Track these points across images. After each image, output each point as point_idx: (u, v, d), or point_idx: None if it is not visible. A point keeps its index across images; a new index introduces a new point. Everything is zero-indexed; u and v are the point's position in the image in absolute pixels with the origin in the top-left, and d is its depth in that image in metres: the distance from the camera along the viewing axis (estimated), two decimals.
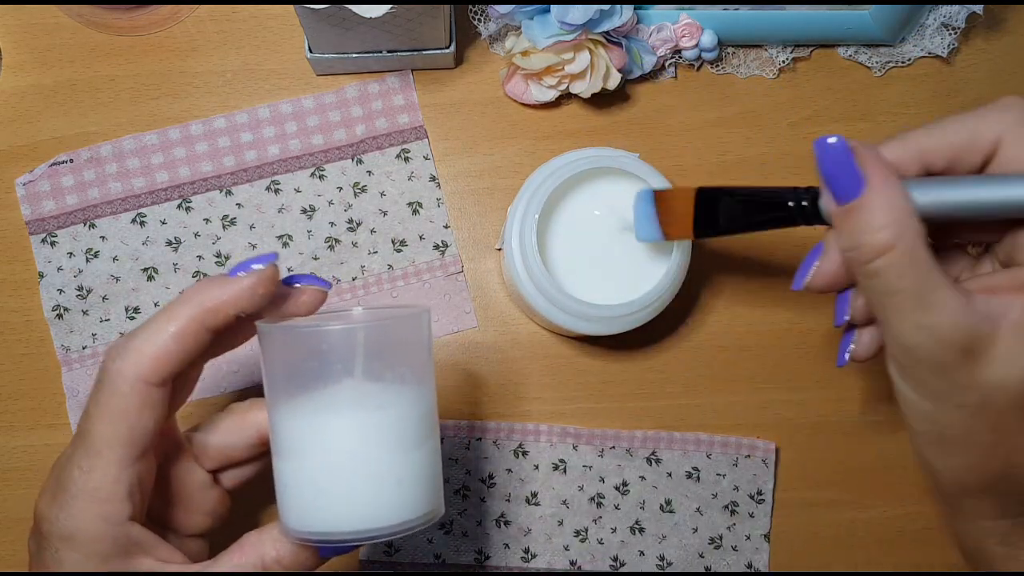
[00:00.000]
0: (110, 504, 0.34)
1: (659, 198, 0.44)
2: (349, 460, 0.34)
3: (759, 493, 0.53)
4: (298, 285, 0.37)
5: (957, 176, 0.34)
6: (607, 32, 0.50)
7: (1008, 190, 0.32)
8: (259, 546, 0.36)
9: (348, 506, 0.34)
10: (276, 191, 0.54)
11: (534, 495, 0.53)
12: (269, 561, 0.36)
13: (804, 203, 0.36)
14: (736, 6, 0.53)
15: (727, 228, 0.41)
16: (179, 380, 0.36)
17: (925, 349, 0.32)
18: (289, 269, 0.53)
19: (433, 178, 0.54)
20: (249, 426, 0.39)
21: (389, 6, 0.45)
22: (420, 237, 0.54)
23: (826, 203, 0.34)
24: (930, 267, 0.31)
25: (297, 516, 0.35)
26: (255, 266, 0.35)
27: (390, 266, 0.54)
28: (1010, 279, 0.34)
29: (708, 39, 0.53)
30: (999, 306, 0.32)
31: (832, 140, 0.33)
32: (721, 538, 0.53)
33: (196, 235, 0.53)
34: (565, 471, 0.53)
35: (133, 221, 0.53)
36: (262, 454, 0.40)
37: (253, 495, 0.42)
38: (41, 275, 0.53)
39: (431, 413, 0.37)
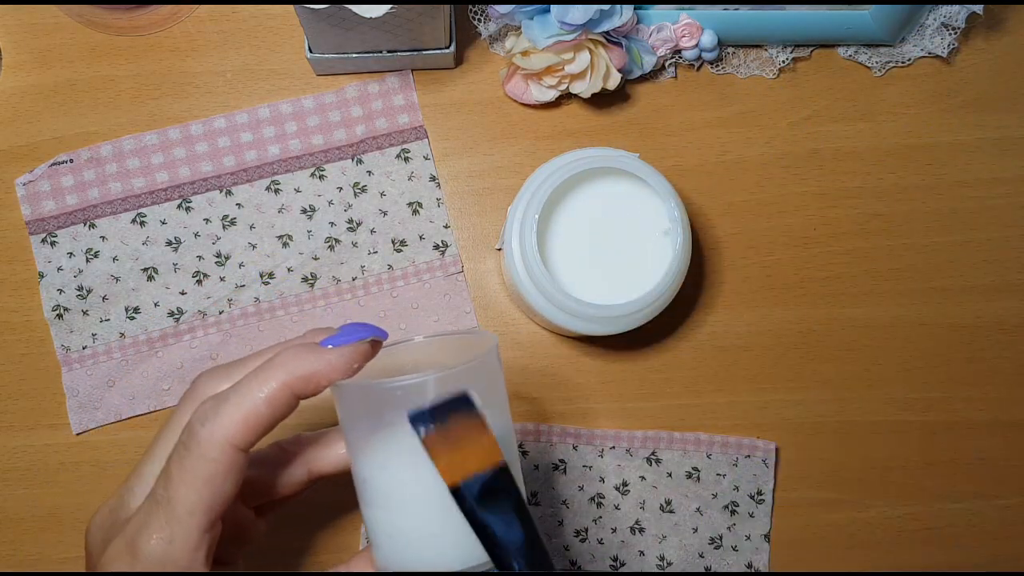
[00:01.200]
0: (191, 571, 0.33)
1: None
2: (434, 505, 0.34)
3: (759, 493, 0.53)
4: (366, 339, 0.36)
5: None
6: (607, 32, 0.50)
7: None
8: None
9: (444, 547, 0.34)
10: (276, 191, 0.54)
11: (534, 495, 0.53)
12: None
13: None
14: (736, 6, 0.53)
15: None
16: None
17: None
18: (289, 269, 0.53)
19: (433, 178, 0.54)
20: (300, 466, 0.39)
21: (389, 6, 0.45)
22: (420, 237, 0.54)
23: None
24: None
25: (389, 558, 0.35)
26: (351, 339, 0.35)
27: (390, 266, 0.54)
28: None
29: (708, 39, 0.53)
30: None
31: None
32: (721, 538, 0.53)
33: (196, 235, 0.53)
34: (565, 471, 0.53)
35: (133, 221, 0.53)
36: (306, 488, 0.40)
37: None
38: (41, 275, 0.53)
39: (512, 440, 0.37)
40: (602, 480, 0.53)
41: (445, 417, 0.32)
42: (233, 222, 0.53)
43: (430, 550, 0.35)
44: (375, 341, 0.36)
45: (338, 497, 0.53)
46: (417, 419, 0.32)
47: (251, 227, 0.53)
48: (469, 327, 0.54)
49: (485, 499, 0.31)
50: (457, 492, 0.31)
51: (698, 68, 0.56)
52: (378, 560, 0.36)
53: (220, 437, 0.33)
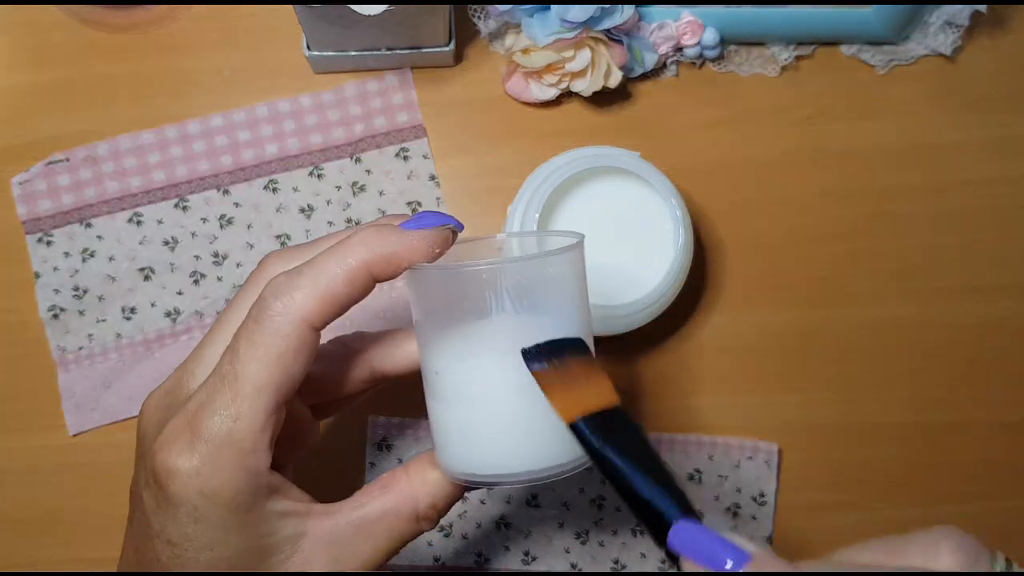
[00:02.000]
0: (255, 455, 0.32)
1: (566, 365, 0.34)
2: (512, 400, 0.33)
3: (761, 495, 0.53)
4: (448, 225, 0.35)
5: None
6: (608, 30, 0.50)
7: None
8: (411, 489, 0.34)
9: (515, 447, 0.33)
10: (274, 190, 0.53)
11: (534, 497, 0.53)
12: (424, 507, 0.34)
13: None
14: (738, 4, 0.52)
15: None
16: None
17: None
18: None
19: (432, 177, 0.54)
20: (364, 364, 0.37)
21: (388, 4, 0.44)
22: None
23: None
24: None
25: (458, 459, 0.34)
26: (433, 222, 0.34)
27: None
28: None
29: (710, 37, 0.53)
30: None
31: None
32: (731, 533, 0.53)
33: (193, 235, 0.53)
34: None
35: (130, 221, 0.53)
36: (367, 390, 0.38)
37: None
38: (37, 275, 0.52)
39: (591, 339, 0.35)
40: (603, 482, 0.53)
41: (559, 354, 0.32)
42: (231, 222, 0.53)
43: (502, 447, 0.33)
44: (454, 231, 0.35)
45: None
46: (530, 355, 0.31)
47: (249, 227, 0.53)
48: None
49: (604, 436, 0.30)
50: (574, 428, 0.30)
51: (700, 66, 0.55)
52: (443, 460, 0.34)
53: (295, 312, 0.31)
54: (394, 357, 0.37)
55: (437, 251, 0.34)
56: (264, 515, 0.32)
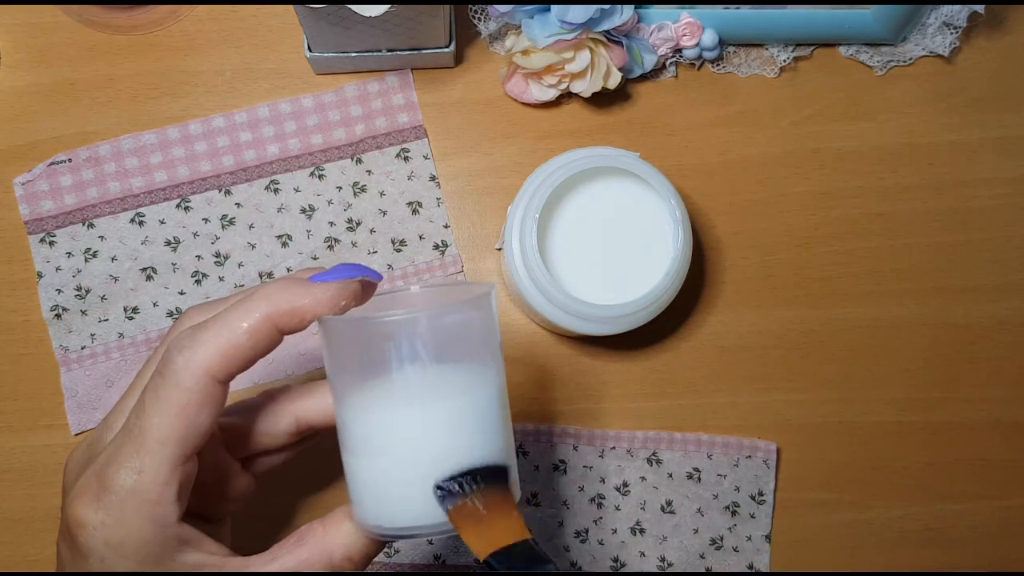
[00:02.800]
0: (161, 507, 0.32)
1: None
2: (423, 451, 0.33)
3: (760, 494, 0.53)
4: (355, 278, 0.35)
5: None
6: (608, 31, 0.50)
7: None
8: (325, 542, 0.34)
9: (427, 499, 0.33)
10: (275, 191, 0.54)
11: (534, 496, 0.53)
12: (339, 560, 0.34)
13: None
14: (737, 5, 0.53)
15: None
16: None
17: None
18: (288, 269, 0.53)
19: (433, 178, 0.54)
20: (287, 415, 0.37)
21: (389, 5, 0.44)
22: (420, 237, 0.54)
23: None
24: None
25: (372, 512, 0.34)
26: (341, 275, 0.34)
27: (390, 266, 0.53)
28: None
29: (709, 38, 0.53)
30: None
31: None
32: (722, 539, 0.53)
33: (195, 235, 0.53)
34: (565, 472, 0.53)
35: (132, 221, 0.53)
36: (297, 443, 0.39)
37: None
38: (39, 275, 0.52)
39: (503, 395, 0.35)
40: (602, 481, 0.53)
41: (473, 485, 0.32)
42: (232, 222, 0.53)
43: (410, 501, 0.33)
44: (367, 283, 0.35)
45: (331, 501, 0.53)
46: (443, 489, 0.31)
47: (250, 227, 0.53)
48: None
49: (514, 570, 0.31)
50: (487, 563, 0.31)
51: (699, 67, 0.56)
52: (357, 513, 0.34)
53: (196, 366, 0.32)
54: (316, 408, 0.38)
55: (343, 304, 0.34)
56: (174, 566, 0.33)
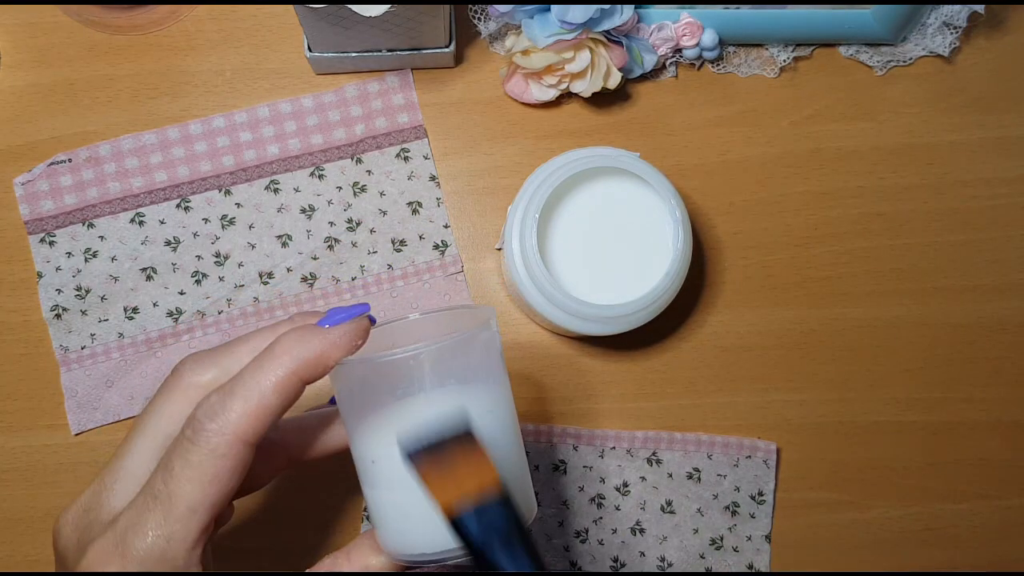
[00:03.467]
0: (186, 569, 0.32)
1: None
2: None
3: (760, 494, 0.53)
4: (364, 314, 0.36)
5: None
6: (608, 31, 0.50)
7: None
8: (367, 555, 0.35)
9: (442, 526, 0.33)
10: (275, 191, 0.54)
11: (534, 496, 0.53)
12: (375, 567, 0.35)
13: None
14: (737, 5, 0.53)
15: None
16: None
17: None
18: (288, 269, 0.53)
19: (433, 178, 0.54)
20: (280, 454, 0.38)
21: (389, 5, 0.44)
22: (420, 237, 0.54)
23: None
24: None
25: (401, 542, 0.34)
26: (349, 315, 0.35)
27: (390, 266, 0.53)
28: None
29: (709, 38, 0.53)
30: None
31: None
32: (722, 539, 0.53)
33: (195, 235, 0.53)
34: (565, 472, 0.53)
35: (132, 221, 0.53)
36: (281, 472, 0.39)
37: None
38: (40, 275, 0.52)
39: (514, 414, 0.36)
40: (602, 481, 0.53)
41: (440, 446, 0.32)
42: (232, 222, 0.53)
43: (431, 527, 0.33)
44: (370, 318, 0.36)
45: (332, 501, 0.53)
46: (410, 448, 0.32)
47: (250, 227, 0.53)
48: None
49: (480, 527, 0.31)
50: (454, 521, 0.31)
51: (699, 67, 0.56)
52: (389, 543, 0.35)
53: (231, 432, 0.32)
54: (311, 447, 0.38)
55: (359, 343, 0.34)
56: None
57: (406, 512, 0.34)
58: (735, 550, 0.53)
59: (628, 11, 0.50)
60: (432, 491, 0.31)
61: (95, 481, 0.35)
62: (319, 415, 0.38)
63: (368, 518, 0.52)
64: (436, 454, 0.32)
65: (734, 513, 0.53)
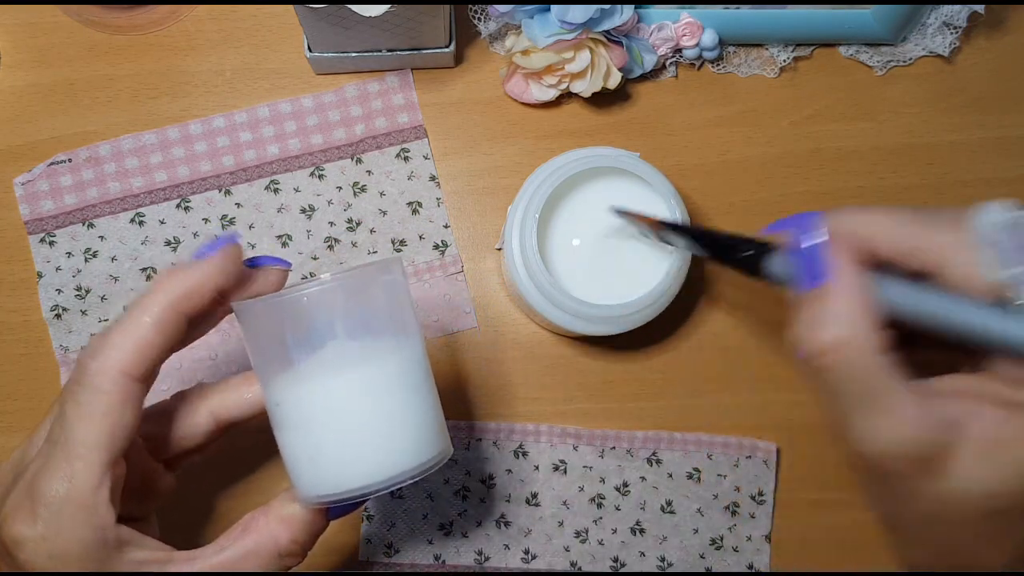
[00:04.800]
0: (97, 512, 0.32)
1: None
2: (353, 417, 0.35)
3: (760, 494, 0.53)
4: (261, 266, 0.37)
5: (936, 289, 0.32)
6: (608, 31, 0.50)
7: (985, 319, 0.31)
8: (270, 528, 0.35)
9: (361, 461, 0.35)
10: (275, 191, 0.54)
11: (534, 496, 0.53)
12: (286, 543, 0.35)
13: (755, 259, 0.36)
14: (737, 5, 0.53)
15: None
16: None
17: (877, 455, 0.31)
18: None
19: (433, 178, 0.54)
20: (203, 414, 0.38)
21: (389, 5, 0.44)
22: (420, 237, 0.54)
23: (780, 269, 0.34)
24: (883, 371, 0.30)
25: (312, 483, 0.35)
26: (217, 246, 0.35)
27: None
28: (976, 385, 0.32)
29: (709, 38, 0.53)
30: (959, 414, 0.30)
31: (814, 230, 0.33)
32: (722, 539, 0.53)
33: (195, 235, 0.53)
34: (565, 472, 0.53)
35: (132, 221, 0.53)
36: (215, 439, 0.39)
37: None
38: (40, 275, 0.52)
39: (422, 356, 0.37)
40: (603, 481, 0.53)
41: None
42: (232, 222, 0.53)
43: (358, 460, 0.35)
44: (277, 271, 0.37)
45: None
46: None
47: (250, 227, 0.53)
48: (468, 327, 0.54)
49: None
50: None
51: (699, 67, 0.56)
52: (300, 488, 0.35)
53: (111, 367, 0.32)
54: (232, 402, 0.38)
55: (230, 268, 0.35)
56: (120, 567, 0.33)
57: (312, 453, 0.35)
58: (735, 550, 0.53)
59: (628, 11, 0.50)
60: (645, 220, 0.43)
61: (22, 446, 0.36)
62: (242, 374, 0.39)
63: (368, 518, 0.52)
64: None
65: (734, 513, 0.53)
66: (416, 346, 0.37)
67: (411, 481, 0.35)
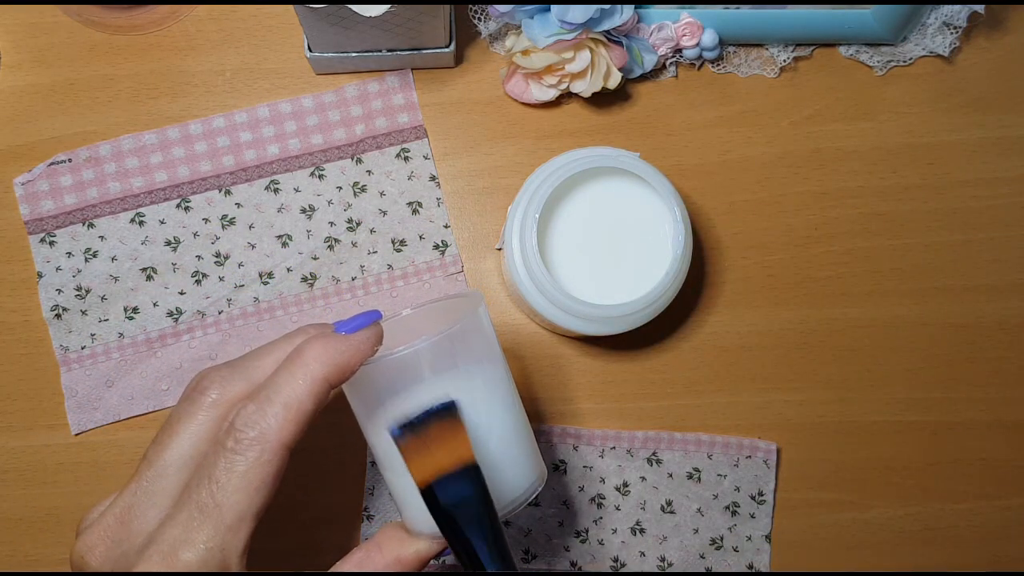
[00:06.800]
0: (233, 572, 0.33)
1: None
2: None
3: (760, 494, 0.53)
4: (377, 320, 0.37)
5: None
6: (608, 31, 0.50)
7: None
8: (385, 564, 0.36)
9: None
10: (275, 191, 0.54)
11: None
12: (408, 556, 0.37)
13: None
14: (737, 5, 0.53)
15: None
16: None
17: None
18: (288, 269, 0.53)
19: (433, 178, 0.54)
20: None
21: (389, 5, 0.44)
22: (420, 237, 0.54)
23: None
24: None
25: (422, 519, 0.36)
26: (365, 321, 0.36)
27: (390, 266, 0.53)
28: None
29: (709, 38, 0.53)
30: None
31: None
32: (722, 539, 0.53)
33: (195, 235, 0.53)
34: (565, 471, 0.53)
35: (132, 221, 0.53)
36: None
37: None
38: (40, 275, 0.52)
39: (509, 388, 0.39)
40: (603, 481, 0.53)
41: (425, 424, 0.34)
42: (232, 222, 0.53)
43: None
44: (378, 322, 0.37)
45: (332, 500, 0.53)
46: (394, 428, 0.34)
47: (250, 227, 0.53)
48: None
49: (450, 498, 0.33)
50: (426, 492, 0.33)
51: (699, 67, 0.56)
52: (416, 524, 0.37)
53: (274, 439, 0.33)
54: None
55: (377, 347, 0.36)
56: None
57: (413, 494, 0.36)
58: (735, 550, 0.53)
59: (628, 11, 0.50)
60: (409, 466, 0.33)
61: (115, 507, 0.34)
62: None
63: (368, 518, 0.52)
64: (418, 433, 0.34)
65: (734, 513, 0.53)
66: (505, 379, 0.39)
67: (519, 509, 0.37)
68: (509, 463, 0.37)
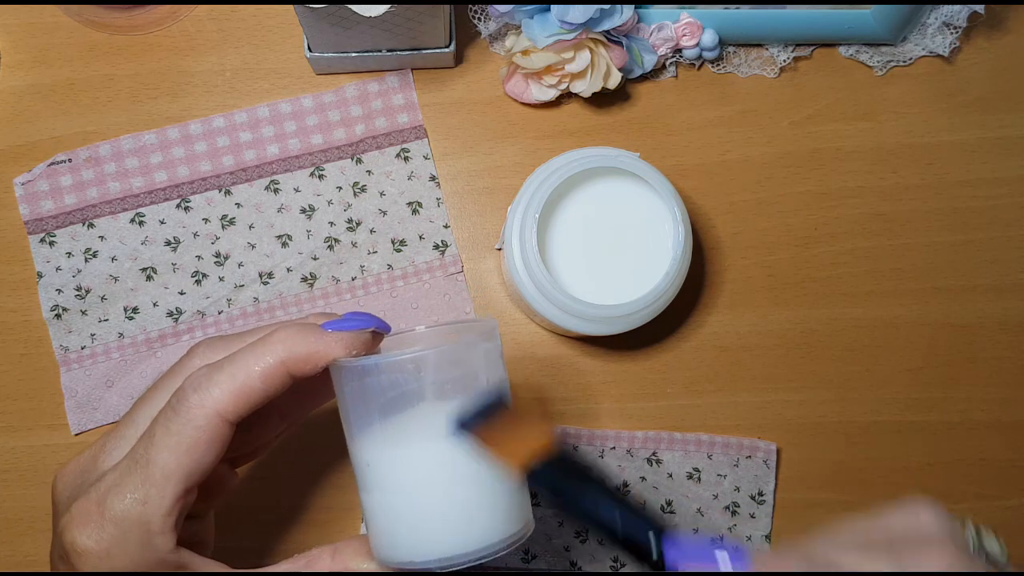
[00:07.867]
0: (162, 536, 0.33)
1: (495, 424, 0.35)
2: (436, 488, 0.34)
3: (760, 494, 0.53)
4: (368, 328, 0.36)
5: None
6: (608, 31, 0.50)
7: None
8: (351, 559, 0.36)
9: (461, 527, 0.34)
10: (275, 191, 0.54)
11: (534, 496, 0.53)
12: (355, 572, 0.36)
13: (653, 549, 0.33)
14: (737, 5, 0.53)
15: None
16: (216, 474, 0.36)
17: None
18: (288, 269, 0.53)
19: (433, 178, 0.54)
20: (276, 418, 0.39)
21: (389, 5, 0.44)
22: (420, 237, 0.54)
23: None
24: None
25: (404, 548, 0.34)
26: (354, 325, 0.35)
27: (390, 266, 0.53)
28: None
29: (709, 38, 0.53)
30: None
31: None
32: (722, 539, 0.53)
33: (195, 235, 0.53)
34: None
35: (132, 221, 0.53)
36: (282, 433, 0.40)
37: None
38: (40, 275, 0.52)
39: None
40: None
41: (489, 416, 0.33)
42: (232, 222, 0.53)
43: (445, 531, 0.34)
44: (376, 333, 0.36)
45: (332, 502, 0.53)
46: (464, 424, 0.33)
47: (250, 227, 0.53)
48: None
49: (556, 475, 0.33)
50: (531, 474, 0.33)
51: (699, 67, 0.56)
52: (383, 549, 0.35)
53: (210, 406, 0.33)
54: (302, 405, 0.40)
55: (354, 352, 0.35)
56: None
57: (397, 517, 0.34)
58: None
59: (628, 11, 0.50)
60: (501, 454, 0.33)
61: (95, 445, 0.36)
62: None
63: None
64: (488, 425, 0.33)
65: (734, 513, 0.53)
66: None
67: (492, 558, 0.34)
68: (499, 504, 0.35)
